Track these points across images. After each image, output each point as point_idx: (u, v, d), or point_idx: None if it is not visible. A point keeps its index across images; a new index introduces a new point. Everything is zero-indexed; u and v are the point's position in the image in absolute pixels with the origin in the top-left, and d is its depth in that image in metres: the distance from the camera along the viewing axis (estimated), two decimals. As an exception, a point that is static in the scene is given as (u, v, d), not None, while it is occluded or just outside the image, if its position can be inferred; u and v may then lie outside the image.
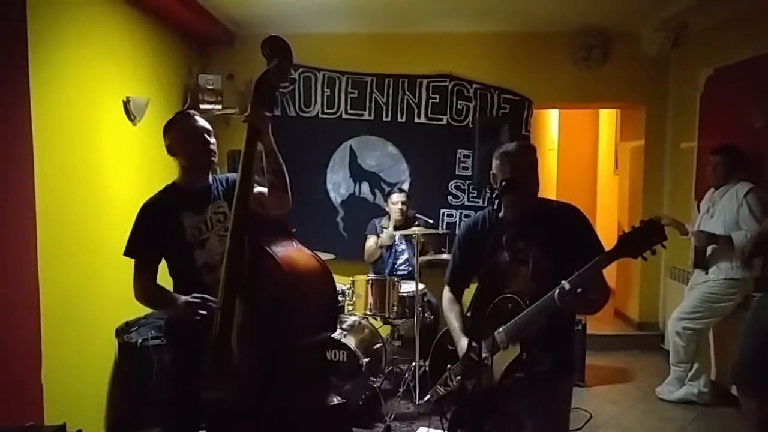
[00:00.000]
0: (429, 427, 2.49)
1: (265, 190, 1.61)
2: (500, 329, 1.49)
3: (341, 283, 2.68)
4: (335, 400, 1.62)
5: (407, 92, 3.80)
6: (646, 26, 3.65)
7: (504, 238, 1.55)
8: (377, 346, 2.85)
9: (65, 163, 2.28)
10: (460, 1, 3.23)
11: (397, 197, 3.28)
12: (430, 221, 3.31)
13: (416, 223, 3.12)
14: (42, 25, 2.12)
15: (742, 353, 2.14)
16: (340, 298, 2.86)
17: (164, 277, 1.67)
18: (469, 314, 1.60)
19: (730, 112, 3.15)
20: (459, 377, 1.54)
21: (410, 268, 3.29)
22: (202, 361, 1.49)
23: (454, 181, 3.84)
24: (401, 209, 3.25)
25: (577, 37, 3.75)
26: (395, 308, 2.88)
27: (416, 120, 3.82)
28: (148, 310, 2.56)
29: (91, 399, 2.48)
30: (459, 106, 3.79)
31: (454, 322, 1.63)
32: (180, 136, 1.63)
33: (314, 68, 3.79)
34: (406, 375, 2.90)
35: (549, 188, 5.03)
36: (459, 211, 3.85)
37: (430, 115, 3.81)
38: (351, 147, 3.88)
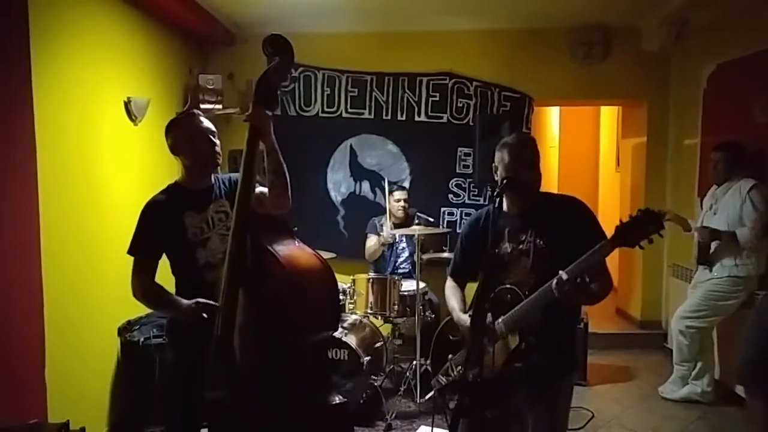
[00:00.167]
0: (430, 425, 2.49)
1: (266, 190, 1.62)
2: (500, 320, 1.50)
3: (342, 281, 2.67)
4: (336, 398, 1.63)
5: (407, 90, 3.80)
6: (648, 22, 3.63)
7: (506, 230, 1.56)
8: (378, 344, 2.86)
9: (67, 163, 2.29)
10: (460, -2, 3.23)
11: (399, 195, 3.29)
12: (431, 220, 3.31)
13: (417, 221, 3.12)
14: (43, 26, 2.13)
15: (747, 352, 2.13)
16: (341, 297, 2.86)
17: (165, 277, 1.68)
18: (470, 308, 1.60)
19: (733, 108, 3.13)
20: (460, 367, 1.55)
21: (411, 267, 3.29)
22: (205, 360, 1.49)
23: (455, 179, 3.83)
24: (403, 207, 3.26)
25: (577, 33, 3.73)
26: (396, 307, 2.88)
27: (416, 118, 3.81)
28: (150, 310, 2.57)
29: (94, 397, 2.49)
30: (459, 104, 3.78)
31: (455, 303, 1.65)
32: (185, 136, 1.64)
33: (314, 67, 3.79)
34: (407, 373, 2.90)
35: (550, 186, 5.02)
36: (460, 209, 3.85)
37: (430, 114, 3.81)
38: (351, 146, 3.88)
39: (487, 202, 3.75)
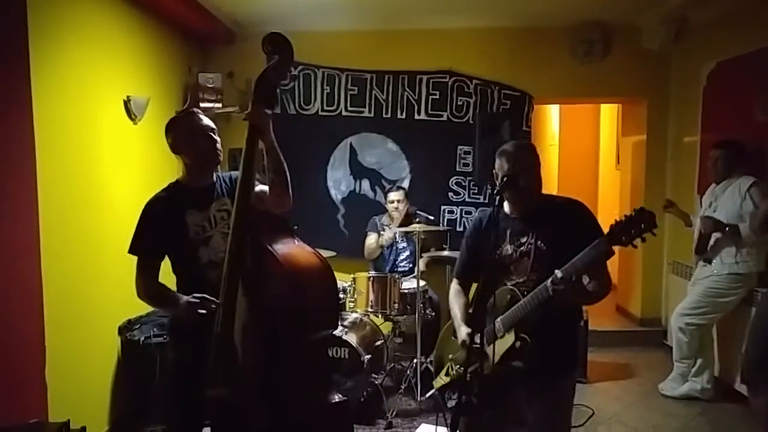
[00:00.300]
0: (431, 424, 2.50)
1: (266, 188, 1.62)
2: (498, 319, 1.52)
3: (342, 280, 2.68)
4: (337, 397, 1.63)
5: (407, 89, 3.79)
6: (648, 20, 3.63)
7: (508, 232, 1.58)
8: (378, 343, 2.86)
9: (66, 162, 2.29)
10: (460, -4, 3.22)
11: (392, 195, 3.28)
12: (431, 218, 3.30)
13: (417, 219, 3.12)
14: (43, 25, 2.12)
15: (750, 351, 2.13)
16: (341, 296, 2.87)
17: (167, 275, 1.68)
18: (472, 307, 1.61)
19: (732, 105, 3.13)
20: (460, 366, 1.56)
21: (411, 265, 3.29)
22: (206, 359, 1.50)
23: (455, 177, 3.83)
24: (396, 207, 3.25)
25: (577, 31, 3.73)
26: (396, 305, 2.88)
27: (416, 116, 3.81)
28: (150, 308, 2.57)
29: (95, 396, 2.49)
30: (459, 103, 3.78)
31: (457, 311, 1.68)
32: (186, 134, 1.64)
33: (314, 65, 3.79)
34: (408, 372, 2.91)
35: (550, 184, 5.02)
36: (460, 207, 3.85)
37: (430, 112, 3.80)
38: (351, 144, 3.87)
39: (487, 201, 3.76)
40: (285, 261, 1.50)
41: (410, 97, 3.80)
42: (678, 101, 3.77)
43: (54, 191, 2.17)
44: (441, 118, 3.80)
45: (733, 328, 2.81)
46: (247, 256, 1.50)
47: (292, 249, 1.58)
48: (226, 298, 1.48)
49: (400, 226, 3.20)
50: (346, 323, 2.82)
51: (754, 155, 2.80)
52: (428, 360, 2.84)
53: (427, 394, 2.78)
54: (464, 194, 3.85)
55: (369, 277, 2.93)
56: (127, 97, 2.75)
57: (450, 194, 3.84)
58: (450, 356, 1.69)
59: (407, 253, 3.36)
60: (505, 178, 1.51)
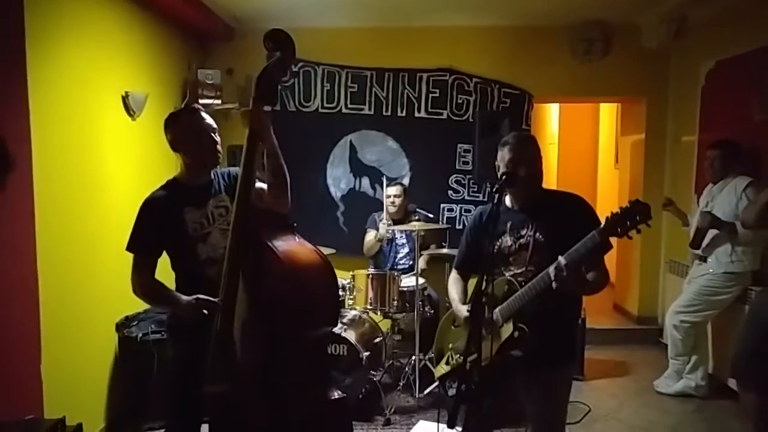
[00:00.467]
0: (429, 420, 2.51)
1: (266, 186, 1.61)
2: (497, 309, 1.55)
3: (342, 277, 2.68)
4: (335, 393, 1.63)
5: (407, 86, 3.79)
6: (647, 19, 3.63)
7: (508, 224, 1.61)
8: (377, 340, 2.87)
9: (64, 158, 2.28)
10: (460, -6, 3.22)
11: (390, 190, 3.27)
12: (430, 215, 3.30)
13: (416, 217, 3.12)
14: (40, 20, 2.11)
15: (741, 347, 2.15)
16: (340, 293, 2.87)
17: (166, 273, 1.68)
18: (470, 299, 1.63)
19: (731, 105, 3.14)
20: (460, 355, 1.59)
21: (411, 263, 3.29)
22: (205, 356, 1.50)
23: (455, 175, 3.84)
24: (392, 202, 3.25)
25: (577, 30, 3.73)
26: (395, 302, 2.89)
27: (416, 114, 3.81)
28: (148, 305, 2.57)
29: (91, 393, 2.49)
30: (459, 101, 3.78)
31: (455, 294, 1.72)
32: (186, 133, 1.63)
33: (314, 63, 3.78)
34: (406, 369, 2.92)
35: (549, 183, 4.96)
36: (459, 205, 3.85)
37: (430, 110, 3.80)
38: (351, 142, 3.87)
39: (486, 199, 3.76)
40: (285, 258, 1.50)
41: (410, 95, 3.80)
42: (677, 100, 3.78)
43: (51, 187, 2.16)
44: (441, 116, 3.80)
45: (728, 325, 2.83)
46: (247, 252, 1.50)
47: (292, 246, 1.58)
48: (225, 295, 1.48)
49: (399, 223, 3.20)
50: (345, 320, 2.83)
51: (750, 155, 2.81)
52: (427, 357, 2.86)
53: (425, 391, 2.79)
54: (464, 192, 3.85)
55: (368, 275, 2.93)
56: (126, 92, 2.74)
57: (449, 192, 3.85)
58: (450, 345, 1.72)
59: (406, 250, 3.36)
60: (503, 176, 1.53)
